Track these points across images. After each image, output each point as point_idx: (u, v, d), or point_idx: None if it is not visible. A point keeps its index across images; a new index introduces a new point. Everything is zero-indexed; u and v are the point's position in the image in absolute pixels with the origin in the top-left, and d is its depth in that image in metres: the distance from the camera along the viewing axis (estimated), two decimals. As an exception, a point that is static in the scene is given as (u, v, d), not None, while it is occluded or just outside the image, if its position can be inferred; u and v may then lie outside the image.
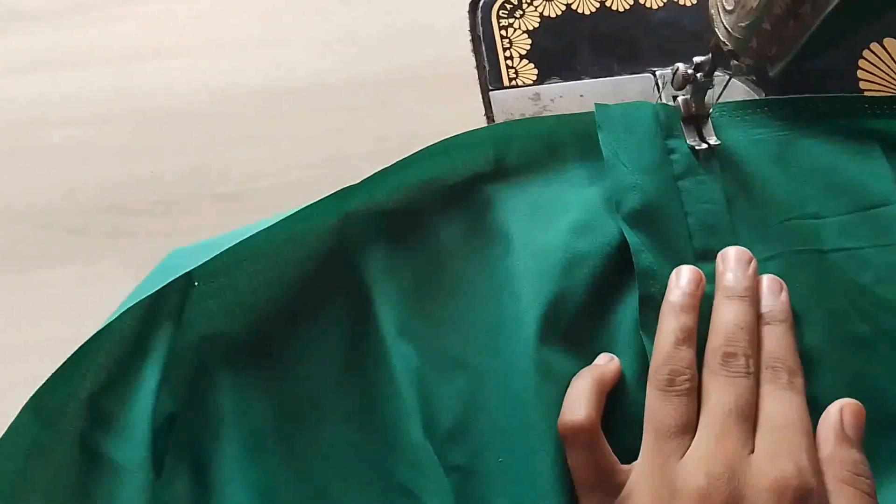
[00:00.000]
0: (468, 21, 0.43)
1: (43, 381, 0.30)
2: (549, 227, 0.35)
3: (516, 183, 0.36)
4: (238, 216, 0.35)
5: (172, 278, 0.30)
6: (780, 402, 0.29)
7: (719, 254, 0.33)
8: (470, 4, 0.43)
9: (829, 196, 0.36)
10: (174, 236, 0.36)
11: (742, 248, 0.33)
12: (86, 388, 0.30)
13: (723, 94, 0.36)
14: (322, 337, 0.34)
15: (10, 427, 0.27)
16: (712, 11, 0.34)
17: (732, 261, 0.33)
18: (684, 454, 0.28)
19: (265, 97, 0.42)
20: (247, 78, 0.42)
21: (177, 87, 0.42)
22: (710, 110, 0.36)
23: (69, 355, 0.30)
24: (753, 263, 0.32)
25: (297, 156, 0.40)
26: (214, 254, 0.31)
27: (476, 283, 0.34)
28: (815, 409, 0.30)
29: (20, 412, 0.28)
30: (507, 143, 0.36)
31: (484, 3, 0.42)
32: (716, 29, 0.34)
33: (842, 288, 0.34)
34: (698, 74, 0.35)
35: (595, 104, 0.36)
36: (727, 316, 0.31)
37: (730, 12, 0.33)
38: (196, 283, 0.32)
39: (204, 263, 0.31)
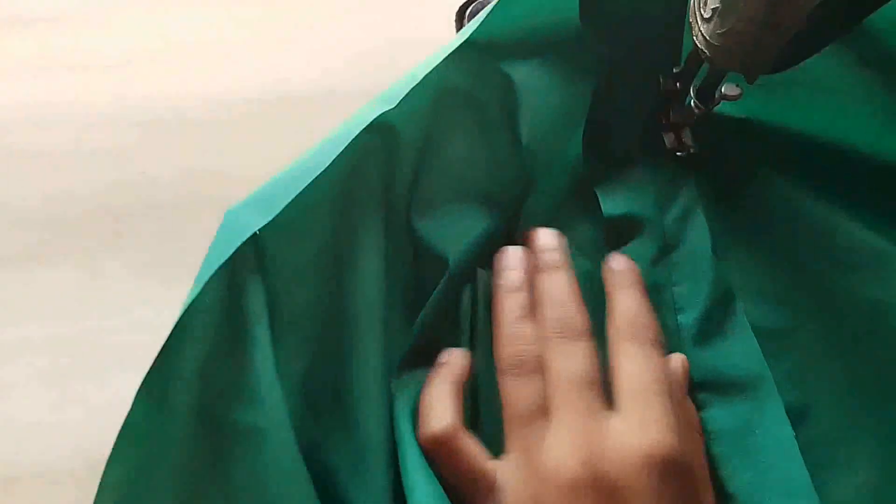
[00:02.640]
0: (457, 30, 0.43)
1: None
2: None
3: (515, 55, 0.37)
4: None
5: (240, 241, 0.29)
6: (633, 361, 0.28)
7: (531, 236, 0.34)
8: (457, 13, 0.43)
9: None
10: (171, 239, 0.37)
11: (549, 231, 0.33)
12: (188, 363, 0.28)
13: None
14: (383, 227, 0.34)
15: (127, 415, 0.27)
16: (691, 20, 0.34)
17: (543, 235, 0.33)
18: (546, 438, 0.27)
19: (262, 104, 0.43)
20: (244, 84, 0.43)
21: (175, 93, 0.43)
22: (692, 118, 0.37)
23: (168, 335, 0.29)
24: (564, 238, 0.33)
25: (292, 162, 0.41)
26: (270, 203, 0.30)
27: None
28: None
29: (135, 400, 0.27)
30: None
31: (471, 11, 0.43)
32: (694, 38, 0.34)
33: None
34: (677, 83, 0.36)
35: None
36: (554, 285, 0.31)
37: (707, 20, 0.33)
38: (258, 231, 0.31)
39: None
